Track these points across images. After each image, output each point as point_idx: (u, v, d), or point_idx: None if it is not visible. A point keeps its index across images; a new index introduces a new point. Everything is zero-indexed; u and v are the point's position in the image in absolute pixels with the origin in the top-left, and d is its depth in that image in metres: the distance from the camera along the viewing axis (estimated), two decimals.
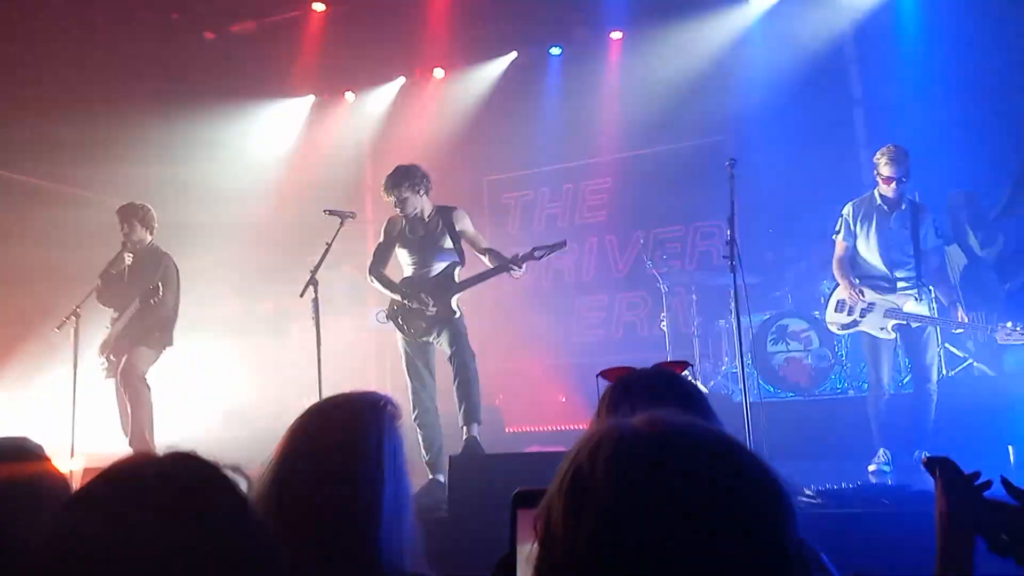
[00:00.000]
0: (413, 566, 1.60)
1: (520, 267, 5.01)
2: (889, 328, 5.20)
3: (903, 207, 5.27)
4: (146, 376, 5.72)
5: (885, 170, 5.21)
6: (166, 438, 6.34)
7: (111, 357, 5.75)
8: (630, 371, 1.69)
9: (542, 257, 5.13)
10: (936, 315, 5.31)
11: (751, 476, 0.76)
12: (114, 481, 1.19)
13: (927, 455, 1.44)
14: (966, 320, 5.14)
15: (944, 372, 6.15)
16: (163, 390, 6.04)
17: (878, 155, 5.29)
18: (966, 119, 6.70)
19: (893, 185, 5.21)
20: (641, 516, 0.72)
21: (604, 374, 1.71)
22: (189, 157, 8.35)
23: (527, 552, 1.12)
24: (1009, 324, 5.00)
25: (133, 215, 5.89)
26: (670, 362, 1.73)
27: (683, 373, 1.76)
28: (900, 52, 7.42)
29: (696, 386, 1.67)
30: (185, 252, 6.32)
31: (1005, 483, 1.35)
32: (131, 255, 5.87)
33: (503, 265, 5.08)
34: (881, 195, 5.29)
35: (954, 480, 1.40)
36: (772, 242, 7.46)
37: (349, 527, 1.55)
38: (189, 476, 1.22)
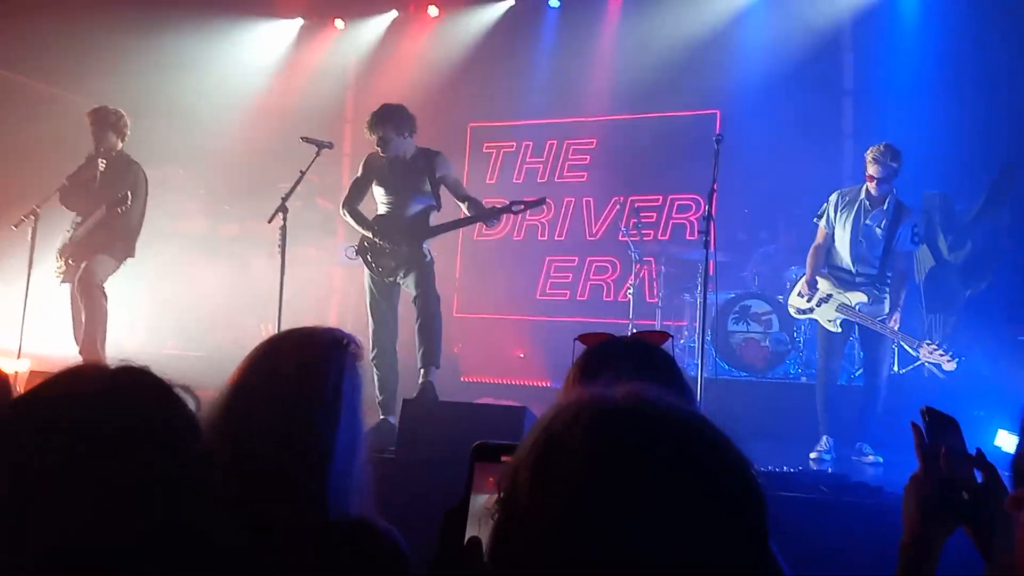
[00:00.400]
0: (360, 509, 1.59)
1: (498, 219, 4.98)
2: (837, 323, 5.28)
3: (886, 206, 5.28)
4: (104, 285, 5.60)
5: (870, 168, 5.23)
6: (118, 350, 6.27)
7: (70, 261, 5.61)
8: (609, 338, 1.66)
9: (519, 211, 5.10)
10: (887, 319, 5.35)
11: (730, 466, 0.75)
12: (61, 388, 1.16)
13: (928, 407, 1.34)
14: (896, 330, 5.20)
15: (896, 370, 6.28)
16: (120, 301, 5.94)
17: (868, 152, 5.28)
18: (952, 120, 6.74)
19: (875, 183, 5.23)
20: (613, 492, 0.71)
21: (582, 339, 1.69)
22: (167, 68, 8.11)
23: (479, 504, 1.11)
24: (933, 345, 5.10)
25: (105, 119, 5.69)
26: (651, 331, 1.72)
27: (663, 345, 1.74)
28: (894, 47, 7.42)
29: (675, 361, 1.65)
30: (155, 164, 6.17)
31: (979, 454, 1.30)
32: (104, 161, 5.68)
33: (480, 215, 5.04)
34: (867, 190, 5.31)
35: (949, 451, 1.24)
36: (746, 222, 7.50)
37: (298, 464, 1.53)
38: (137, 392, 1.20)
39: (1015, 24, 6.64)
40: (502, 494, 0.78)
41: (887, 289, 5.29)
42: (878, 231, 5.27)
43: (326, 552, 1.50)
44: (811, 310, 5.40)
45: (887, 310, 5.24)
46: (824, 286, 5.36)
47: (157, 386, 1.23)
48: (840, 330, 5.28)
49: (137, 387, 1.21)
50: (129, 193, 5.54)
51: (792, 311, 5.64)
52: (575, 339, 1.71)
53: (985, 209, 6.55)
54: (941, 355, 5.05)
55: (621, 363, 1.54)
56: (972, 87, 6.84)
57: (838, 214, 5.40)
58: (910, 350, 6.09)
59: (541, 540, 0.71)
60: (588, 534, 0.70)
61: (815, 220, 5.57)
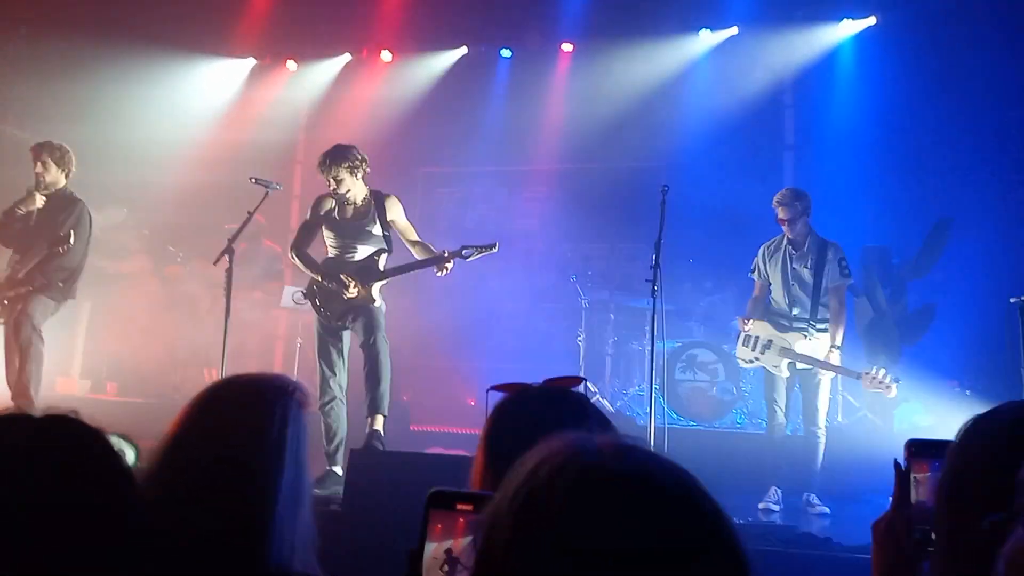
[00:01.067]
0: (302, 564, 1.52)
1: (448, 264, 4.95)
2: (783, 366, 5.34)
3: (807, 247, 5.42)
4: (41, 327, 5.39)
5: (779, 213, 5.40)
6: (54, 394, 6.04)
7: (5, 302, 5.39)
8: (525, 387, 1.64)
9: (470, 257, 5.07)
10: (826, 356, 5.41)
11: (717, 532, 0.73)
12: None
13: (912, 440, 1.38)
14: (837, 365, 5.28)
15: (839, 419, 6.38)
16: (58, 343, 5.73)
17: (774, 202, 5.44)
18: (888, 175, 7.01)
19: (787, 227, 5.38)
20: (598, 557, 0.68)
21: (497, 388, 1.66)
22: (114, 104, 7.98)
23: (431, 551, 1.08)
24: (880, 371, 5.12)
25: (49, 154, 5.52)
26: (563, 377, 1.68)
27: (577, 388, 1.71)
28: (832, 105, 7.72)
29: (589, 403, 1.63)
30: (98, 204, 6.01)
31: (896, 466, 1.35)
32: (44, 197, 5.50)
33: (430, 260, 5.01)
34: (786, 236, 5.46)
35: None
36: (691, 272, 7.62)
37: (239, 515, 1.48)
38: (66, 439, 1.16)
39: (945, 82, 6.97)
40: (478, 551, 0.75)
41: (823, 327, 5.36)
42: (805, 271, 5.40)
43: None
44: (757, 359, 5.48)
45: (826, 347, 5.32)
46: (764, 332, 5.45)
47: (85, 434, 1.19)
48: (788, 374, 5.33)
49: (64, 436, 1.17)
50: (72, 232, 5.37)
51: (741, 362, 5.70)
52: (488, 389, 1.67)
53: (919, 263, 6.77)
54: (881, 381, 5.09)
55: (536, 412, 1.52)
56: (906, 142, 7.14)
57: (767, 264, 5.55)
58: (853, 400, 6.20)
59: None
60: None
61: (750, 275, 5.70)
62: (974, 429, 1.14)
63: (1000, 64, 6.83)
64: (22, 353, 5.28)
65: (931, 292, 6.87)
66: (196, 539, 1.43)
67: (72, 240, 5.33)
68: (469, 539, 1.04)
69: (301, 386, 1.67)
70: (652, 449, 0.78)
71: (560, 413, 1.54)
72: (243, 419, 1.54)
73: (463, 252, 5.02)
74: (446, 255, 4.96)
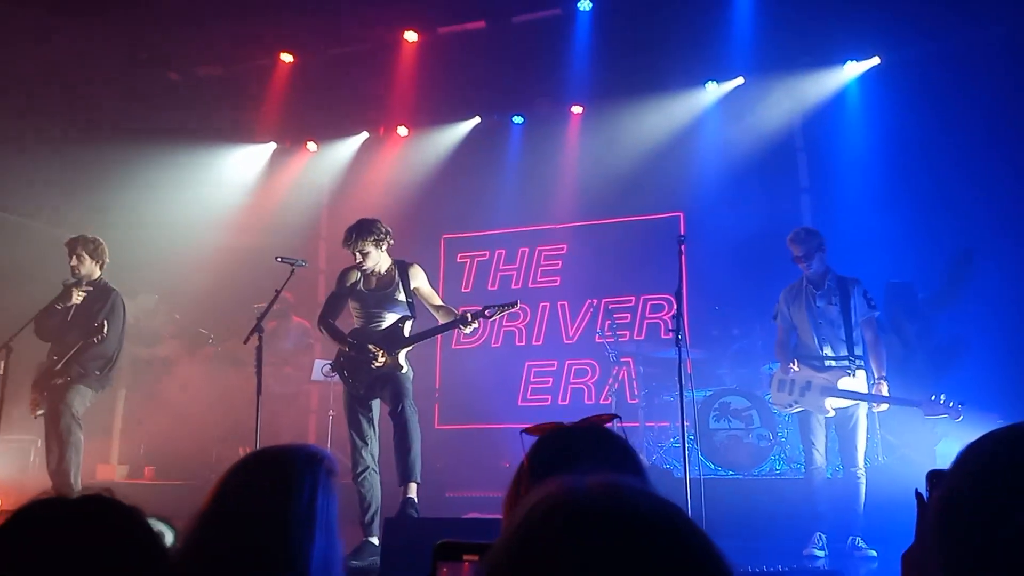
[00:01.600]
0: None
1: (470, 324, 5.01)
2: (829, 406, 5.27)
3: (826, 285, 5.40)
4: (81, 416, 5.50)
5: (794, 251, 5.39)
6: (91, 481, 6.11)
7: (44, 393, 5.53)
8: (558, 427, 1.64)
9: (492, 316, 5.13)
10: (870, 390, 5.35)
11: (706, 566, 0.75)
12: (22, 521, 1.16)
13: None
14: (888, 395, 5.20)
15: (880, 459, 6.26)
16: (96, 430, 5.82)
17: (788, 241, 5.45)
18: (906, 209, 7.00)
19: (803, 264, 5.37)
20: None
21: (529, 431, 1.67)
22: (141, 195, 8.24)
23: None
24: (942, 396, 5.03)
25: (84, 248, 5.71)
26: (598, 415, 1.70)
27: (610, 425, 1.72)
28: (844, 144, 7.77)
29: (628, 443, 1.63)
30: (130, 292, 6.17)
31: (918, 497, 1.32)
32: (82, 293, 5.67)
33: (452, 322, 5.07)
34: (806, 277, 5.45)
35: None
36: (718, 319, 7.59)
37: None
38: (100, 518, 1.19)
39: (957, 113, 7.00)
40: None
41: (862, 364, 5.31)
42: (832, 309, 5.36)
43: None
44: (796, 402, 5.40)
45: (870, 382, 5.26)
46: (801, 374, 5.38)
47: (118, 511, 1.23)
48: (833, 414, 5.26)
49: (98, 513, 1.21)
50: (106, 322, 5.52)
51: (777, 408, 5.63)
52: (521, 432, 1.67)
53: (945, 296, 6.71)
54: (945, 405, 4.98)
55: (575, 450, 1.52)
56: (920, 176, 7.14)
57: (791, 308, 5.51)
58: (892, 439, 6.09)
59: None
60: None
61: (772, 320, 5.68)
62: (965, 456, 1.06)
63: (1011, 92, 6.86)
64: (62, 442, 5.38)
65: (960, 324, 6.79)
66: None
67: (106, 329, 5.48)
68: None
69: (329, 455, 1.71)
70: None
71: (598, 449, 1.55)
72: (272, 490, 1.58)
73: (485, 312, 5.09)
74: (469, 317, 5.02)
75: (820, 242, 5.36)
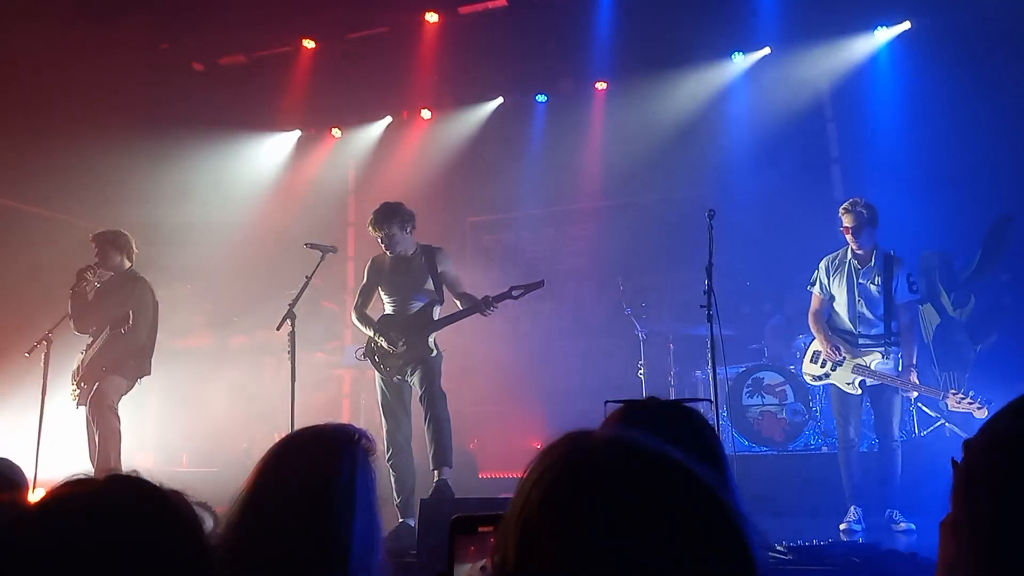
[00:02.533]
0: None
1: (492, 306, 5.03)
2: (855, 384, 5.22)
3: (873, 262, 5.29)
4: (117, 406, 5.60)
5: (845, 220, 5.25)
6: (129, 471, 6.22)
7: (82, 384, 5.63)
8: (638, 400, 1.63)
9: (520, 296, 5.14)
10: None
11: (712, 517, 0.76)
12: (53, 504, 1.18)
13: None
14: (917, 383, 5.13)
15: (917, 432, 6.19)
16: (132, 421, 5.92)
17: (840, 209, 5.33)
18: (939, 179, 6.86)
19: (851, 236, 5.25)
20: (595, 542, 0.73)
21: (613, 403, 1.67)
22: (172, 186, 8.32)
23: (464, 572, 1.15)
24: (960, 394, 5.00)
25: (108, 242, 5.79)
26: (688, 399, 1.69)
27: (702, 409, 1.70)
28: (874, 113, 7.62)
29: (712, 429, 1.60)
30: (162, 283, 6.25)
31: (954, 464, 1.30)
32: (96, 276, 5.71)
33: (476, 305, 5.09)
34: (852, 250, 5.34)
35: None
36: (749, 295, 7.53)
37: (317, 563, 1.52)
38: (128, 498, 1.21)
39: (987, 78, 6.82)
40: (495, 556, 0.80)
41: (896, 346, 5.24)
42: (873, 288, 5.26)
43: None
44: (827, 375, 5.35)
45: (901, 366, 5.19)
46: (841, 349, 5.32)
47: (146, 490, 1.24)
48: (859, 391, 5.20)
49: (126, 494, 1.22)
50: (131, 313, 5.60)
51: (808, 379, 5.58)
52: (606, 402, 1.69)
53: (982, 265, 6.59)
54: (970, 403, 4.94)
55: (654, 420, 1.50)
56: (953, 143, 6.98)
57: (831, 279, 5.41)
58: (929, 411, 6.02)
59: None
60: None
61: (808, 288, 5.58)
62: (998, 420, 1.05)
63: None
64: (101, 432, 5.48)
65: (998, 292, 6.66)
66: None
67: (131, 319, 5.56)
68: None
69: (366, 432, 1.72)
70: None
71: (681, 426, 1.52)
72: (315, 468, 1.60)
73: (512, 292, 5.10)
74: (493, 298, 5.03)
75: (874, 215, 5.20)
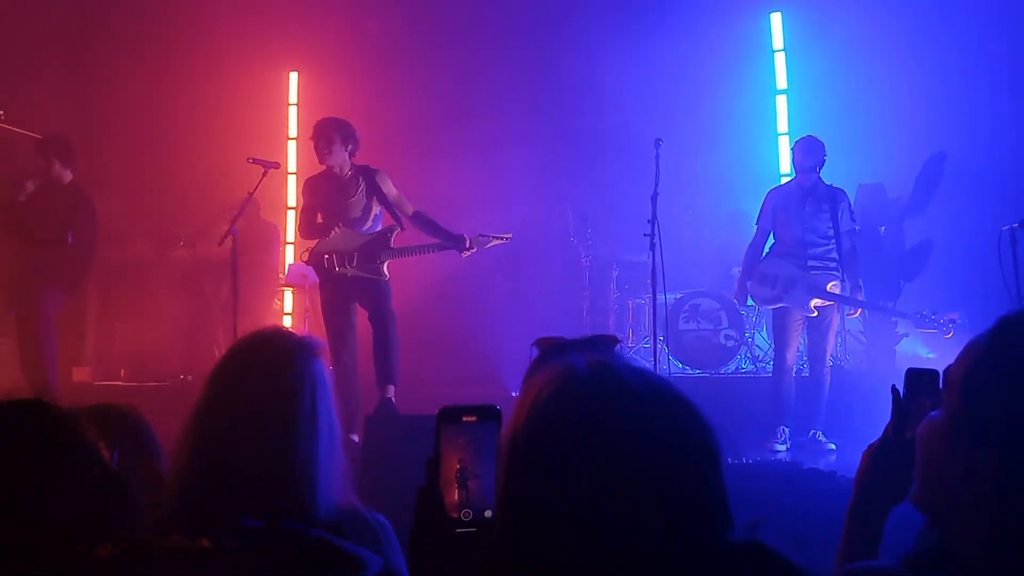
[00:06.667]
0: (345, 497, 1.58)
1: (468, 249, 5.05)
2: (812, 306, 5.38)
3: (818, 192, 5.47)
4: (52, 319, 5.47)
5: (797, 158, 5.45)
6: (66, 384, 6.14)
7: (17, 296, 5.48)
8: (562, 339, 1.69)
9: (486, 245, 5.17)
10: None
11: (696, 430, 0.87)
12: None
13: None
14: (891, 306, 5.38)
15: (844, 357, 6.48)
16: (67, 334, 5.82)
17: (793, 145, 5.52)
18: (882, 113, 7.00)
19: (801, 173, 5.45)
20: (587, 465, 0.82)
21: (539, 343, 1.73)
22: (107, 91, 7.96)
23: (445, 460, 1.24)
24: (928, 314, 5.24)
25: (52, 150, 5.52)
26: (603, 336, 1.75)
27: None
28: (821, 45, 7.68)
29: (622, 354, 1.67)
30: (98, 193, 6.05)
31: (895, 392, 1.41)
32: (33, 183, 5.48)
33: (449, 242, 5.07)
34: (798, 183, 5.51)
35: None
36: (690, 223, 7.66)
37: (288, 462, 1.48)
38: (34, 422, 1.23)
39: (937, 13, 6.93)
40: (507, 461, 0.89)
41: (841, 270, 5.44)
42: (819, 216, 5.45)
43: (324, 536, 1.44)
44: (779, 298, 5.48)
45: (849, 291, 5.41)
46: (787, 272, 5.46)
47: (53, 418, 1.25)
48: (815, 313, 5.38)
49: (33, 419, 1.23)
50: (73, 224, 5.42)
51: (756, 301, 5.68)
52: (532, 344, 1.75)
53: (915, 198, 6.81)
54: (942, 321, 5.19)
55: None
56: (897, 78, 7.10)
57: (778, 211, 5.57)
58: (857, 338, 6.27)
59: (543, 501, 0.83)
60: (563, 504, 0.82)
61: (755, 224, 5.73)
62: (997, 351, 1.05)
63: None
64: (35, 344, 5.37)
65: (928, 226, 6.92)
66: (251, 493, 1.44)
67: (73, 234, 5.39)
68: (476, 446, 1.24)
69: (314, 337, 1.67)
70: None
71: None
72: (273, 383, 1.52)
73: (480, 240, 5.12)
74: (467, 241, 5.04)
75: (823, 154, 5.46)
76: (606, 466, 0.81)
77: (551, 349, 1.65)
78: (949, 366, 1.14)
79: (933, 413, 1.14)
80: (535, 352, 1.68)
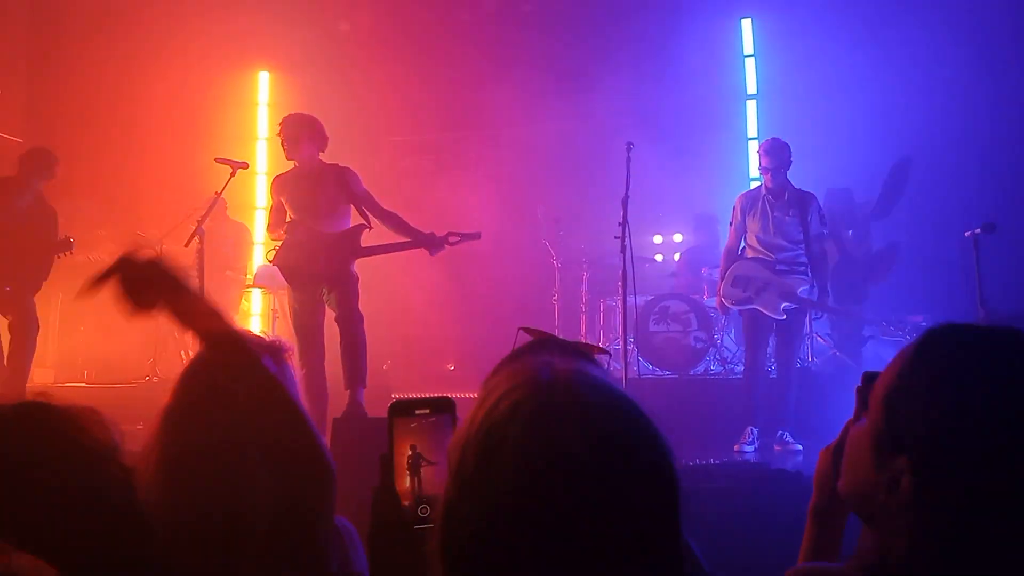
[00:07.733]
0: None
1: (439, 249, 5.01)
2: (781, 308, 5.40)
3: (786, 196, 5.51)
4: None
5: (763, 161, 5.49)
6: (29, 385, 6.04)
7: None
8: (551, 337, 1.68)
9: (456, 243, 5.13)
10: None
11: (659, 463, 0.83)
12: None
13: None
14: (860, 312, 5.43)
15: (810, 359, 6.55)
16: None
17: (759, 147, 5.56)
18: (850, 118, 7.10)
19: (768, 175, 5.48)
20: (545, 484, 0.77)
21: (527, 330, 1.73)
22: (76, 92, 7.84)
23: (398, 451, 1.24)
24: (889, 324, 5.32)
25: (38, 166, 5.67)
26: (590, 344, 1.76)
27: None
28: (791, 51, 7.77)
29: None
30: (64, 195, 5.99)
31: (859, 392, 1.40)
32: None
33: (427, 240, 5.02)
34: (766, 186, 5.55)
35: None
36: (661, 226, 7.71)
37: (259, 483, 1.46)
38: (39, 423, 1.20)
39: (904, 20, 7.03)
40: (451, 468, 0.84)
41: (809, 274, 5.48)
42: (788, 220, 5.48)
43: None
44: (750, 299, 5.49)
45: (818, 294, 5.45)
46: (759, 274, 5.49)
47: (56, 416, 1.23)
48: (784, 316, 5.40)
49: (31, 420, 1.20)
50: (72, 240, 5.66)
51: (729, 302, 5.65)
52: (519, 329, 1.75)
53: (882, 203, 6.90)
54: (906, 328, 5.26)
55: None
56: (866, 84, 7.21)
57: (747, 215, 5.61)
58: (822, 340, 6.34)
59: (486, 517, 0.78)
60: (523, 523, 0.77)
61: (729, 226, 5.77)
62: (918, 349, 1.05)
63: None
64: (24, 349, 5.54)
65: (895, 231, 7.02)
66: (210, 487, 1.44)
67: (72, 247, 5.66)
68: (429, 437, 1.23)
69: (280, 339, 1.66)
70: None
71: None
72: (246, 375, 1.48)
73: (449, 239, 5.08)
74: (437, 238, 5.00)
75: (789, 156, 5.48)
76: (550, 495, 0.76)
77: (535, 344, 1.63)
78: (877, 374, 1.14)
79: (861, 421, 1.16)
80: (523, 337, 1.66)
